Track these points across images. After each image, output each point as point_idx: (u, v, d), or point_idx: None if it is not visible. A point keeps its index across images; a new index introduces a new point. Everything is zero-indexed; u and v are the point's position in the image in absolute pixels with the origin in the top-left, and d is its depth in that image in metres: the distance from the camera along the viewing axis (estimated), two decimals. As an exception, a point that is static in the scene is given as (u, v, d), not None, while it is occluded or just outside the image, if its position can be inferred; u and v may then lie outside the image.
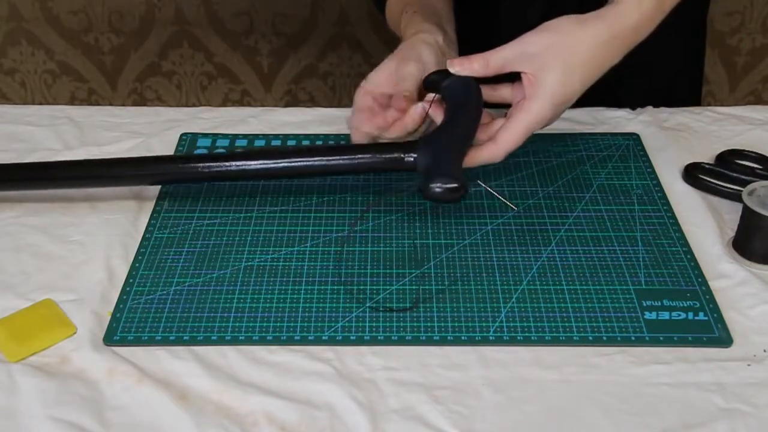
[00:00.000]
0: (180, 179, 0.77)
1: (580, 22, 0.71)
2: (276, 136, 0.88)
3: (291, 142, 0.87)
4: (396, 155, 0.72)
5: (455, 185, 0.67)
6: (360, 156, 0.73)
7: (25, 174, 0.78)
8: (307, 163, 0.74)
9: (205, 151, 0.86)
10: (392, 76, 0.77)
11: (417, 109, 0.74)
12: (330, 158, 0.73)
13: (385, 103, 0.77)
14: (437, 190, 0.67)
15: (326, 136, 0.88)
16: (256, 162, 0.75)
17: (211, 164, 0.75)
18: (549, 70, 0.69)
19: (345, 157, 0.73)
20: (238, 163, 0.75)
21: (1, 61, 1.71)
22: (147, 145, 0.87)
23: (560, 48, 0.70)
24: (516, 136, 0.70)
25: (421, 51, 0.78)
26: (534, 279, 0.69)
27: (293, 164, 0.74)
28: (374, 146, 0.74)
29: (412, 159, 0.71)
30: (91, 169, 0.77)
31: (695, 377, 0.61)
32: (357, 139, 0.77)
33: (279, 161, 0.74)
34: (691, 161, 0.82)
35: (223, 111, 0.94)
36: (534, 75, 0.70)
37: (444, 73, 0.74)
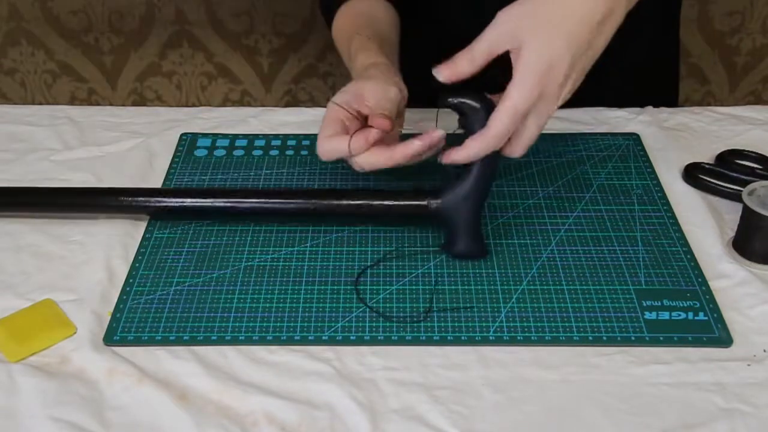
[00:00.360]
0: (177, 212, 0.76)
1: None
2: (276, 136, 0.88)
3: (291, 142, 0.87)
4: (421, 202, 0.71)
5: (475, 251, 0.70)
6: (383, 202, 0.72)
7: (12, 199, 0.77)
8: (327, 204, 0.73)
9: (205, 151, 0.86)
10: (371, 94, 0.72)
11: (412, 146, 0.68)
12: (351, 201, 0.73)
13: (355, 119, 0.73)
14: (458, 252, 0.70)
15: (326, 136, 0.88)
16: (273, 200, 0.74)
17: (231, 201, 0.74)
18: (527, 39, 0.64)
19: (368, 201, 0.73)
20: (259, 200, 0.74)
21: (1, 61, 1.71)
22: (147, 145, 0.87)
23: (534, 14, 0.65)
24: (502, 117, 0.64)
25: (398, 80, 0.75)
26: (534, 279, 0.69)
27: (308, 205, 0.73)
28: (396, 193, 0.72)
29: (435, 205, 0.70)
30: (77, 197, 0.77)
31: (695, 377, 0.61)
32: (324, 153, 0.72)
33: (294, 201, 0.73)
34: (691, 161, 0.82)
35: (223, 111, 0.94)
36: (517, 50, 0.64)
37: (458, 92, 0.68)
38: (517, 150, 0.68)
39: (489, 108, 0.66)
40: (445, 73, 0.66)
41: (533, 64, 0.64)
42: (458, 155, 0.67)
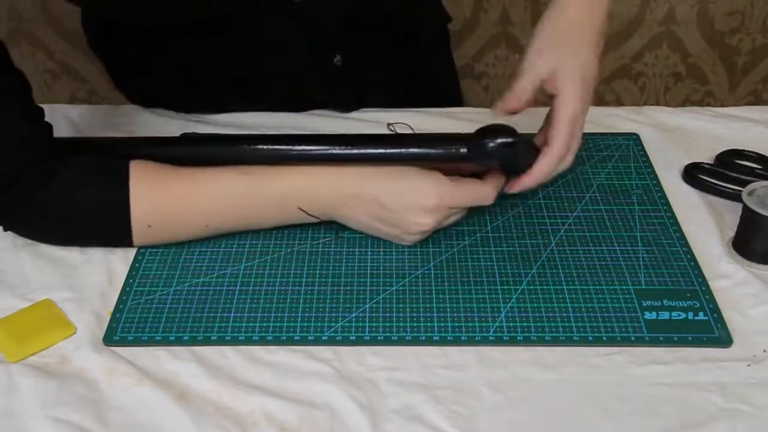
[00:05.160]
0: (223, 160, 0.72)
1: (549, 14, 0.73)
2: (276, 136, 0.88)
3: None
4: (453, 149, 0.70)
5: (509, 140, 0.68)
6: (416, 149, 0.70)
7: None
8: (365, 151, 0.70)
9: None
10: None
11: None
12: (387, 149, 0.70)
13: None
14: (491, 145, 0.68)
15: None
16: (315, 146, 0.71)
17: (271, 146, 0.72)
18: (558, 63, 0.70)
19: (402, 147, 0.70)
20: (299, 147, 0.71)
21: (1, 61, 1.71)
22: (147, 145, 0.87)
23: (552, 40, 0.71)
24: (563, 126, 0.69)
25: None
26: (534, 279, 0.69)
27: (351, 151, 0.70)
28: (431, 139, 0.72)
29: (465, 151, 0.69)
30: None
31: (695, 377, 0.61)
32: None
33: (337, 148, 0.70)
34: (691, 161, 0.82)
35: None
36: (552, 75, 0.70)
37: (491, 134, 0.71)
38: (570, 160, 0.71)
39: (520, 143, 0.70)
40: (504, 106, 0.72)
41: (573, 77, 0.70)
42: (532, 177, 0.70)
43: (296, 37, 0.85)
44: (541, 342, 0.64)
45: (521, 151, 0.70)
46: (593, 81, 0.72)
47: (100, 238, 0.72)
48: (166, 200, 0.69)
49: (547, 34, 0.72)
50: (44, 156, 0.68)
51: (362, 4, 0.88)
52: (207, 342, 0.64)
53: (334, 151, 0.70)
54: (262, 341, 0.64)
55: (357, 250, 0.72)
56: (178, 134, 0.88)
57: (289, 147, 0.71)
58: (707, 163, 0.81)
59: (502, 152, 0.68)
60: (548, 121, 0.72)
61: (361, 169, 0.70)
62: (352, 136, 0.73)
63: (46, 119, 0.71)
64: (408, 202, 0.69)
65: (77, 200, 0.68)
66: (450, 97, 1.02)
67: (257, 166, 0.71)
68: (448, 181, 0.69)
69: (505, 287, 0.68)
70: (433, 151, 0.70)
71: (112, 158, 0.70)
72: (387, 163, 0.71)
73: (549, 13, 0.73)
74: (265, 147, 0.71)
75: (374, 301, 0.67)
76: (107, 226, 0.70)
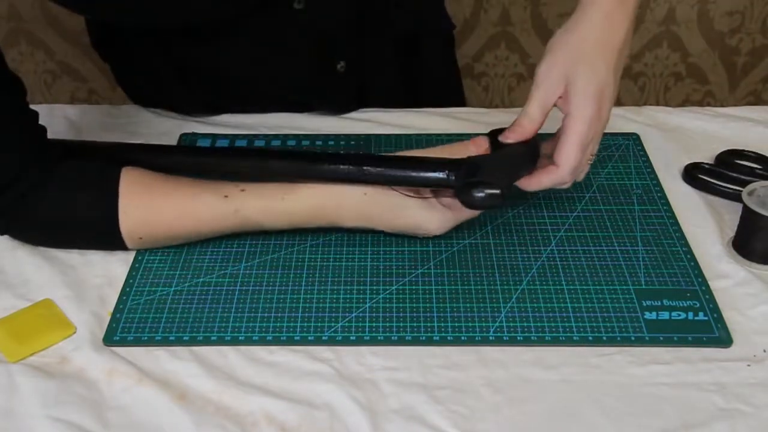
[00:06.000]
0: (220, 171, 0.73)
1: (567, 27, 0.69)
2: (276, 136, 0.88)
3: (291, 143, 0.87)
4: (441, 175, 0.67)
5: (496, 192, 0.65)
6: (403, 173, 0.68)
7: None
8: (348, 170, 0.68)
9: (205, 151, 0.86)
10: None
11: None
12: (373, 168, 0.68)
13: None
14: (478, 195, 0.65)
15: (326, 137, 0.88)
16: (298, 163, 0.70)
17: (255, 162, 0.72)
18: (571, 79, 0.68)
19: (388, 169, 0.68)
20: (283, 163, 0.71)
21: (1, 61, 1.71)
22: (147, 145, 0.87)
23: (567, 55, 0.68)
24: (571, 151, 0.67)
25: None
26: (534, 279, 0.69)
27: (336, 169, 0.69)
28: (419, 163, 0.69)
29: (453, 178, 0.67)
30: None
31: (695, 377, 0.61)
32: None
33: (322, 165, 0.69)
34: (691, 161, 0.82)
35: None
36: (564, 92, 0.68)
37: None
38: (570, 184, 0.70)
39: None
40: (513, 137, 0.70)
41: (587, 95, 0.67)
42: (529, 184, 0.70)
43: (299, 43, 0.85)
44: (541, 342, 0.64)
45: (507, 200, 0.67)
46: (610, 102, 0.68)
47: (94, 245, 0.72)
48: (154, 218, 0.69)
49: (562, 47, 0.68)
50: (38, 160, 0.68)
51: (365, 11, 0.88)
52: (207, 342, 0.64)
53: (314, 168, 0.69)
54: (262, 341, 0.64)
55: (357, 250, 0.72)
56: (178, 134, 0.88)
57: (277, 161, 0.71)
58: (707, 163, 0.81)
59: (488, 203, 0.66)
60: (558, 137, 0.69)
61: (352, 206, 0.70)
62: (340, 156, 0.72)
63: (45, 120, 0.70)
64: (414, 232, 0.72)
65: (68, 211, 0.68)
66: (452, 99, 1.02)
67: (242, 191, 0.70)
68: (445, 209, 0.70)
69: (505, 287, 0.68)
70: (417, 175, 0.68)
71: (107, 164, 0.70)
72: (369, 185, 0.69)
73: (566, 25, 0.69)
74: (250, 163, 0.72)
75: (374, 301, 0.67)
76: (99, 236, 0.71)
